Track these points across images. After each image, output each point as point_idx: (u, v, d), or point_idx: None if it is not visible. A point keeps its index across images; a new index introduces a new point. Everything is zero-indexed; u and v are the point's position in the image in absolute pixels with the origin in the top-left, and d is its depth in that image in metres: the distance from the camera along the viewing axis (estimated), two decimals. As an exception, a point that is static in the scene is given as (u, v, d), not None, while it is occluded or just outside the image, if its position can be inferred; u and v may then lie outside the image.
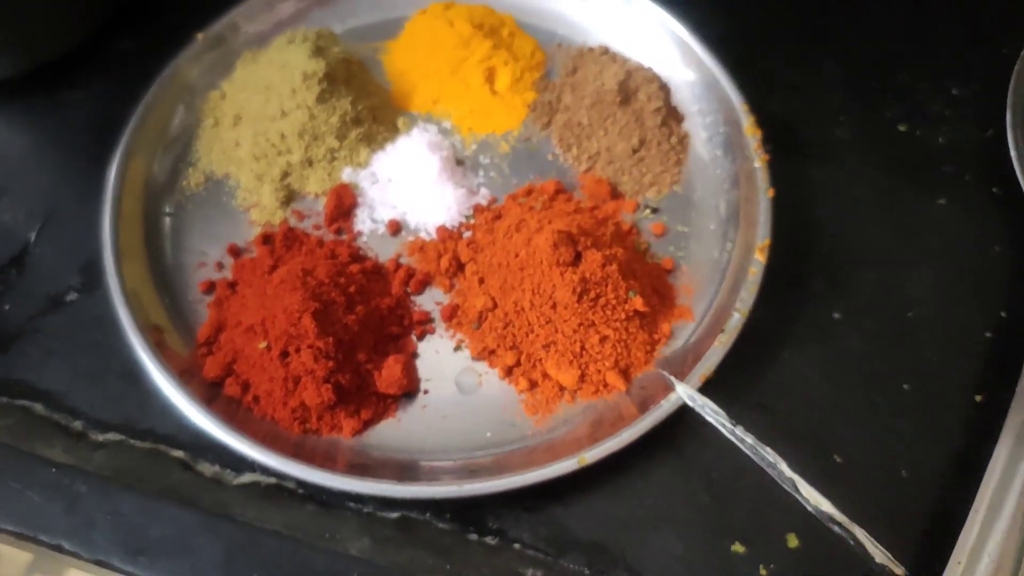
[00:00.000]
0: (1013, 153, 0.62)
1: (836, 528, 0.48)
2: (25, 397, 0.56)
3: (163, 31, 0.70)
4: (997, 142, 0.63)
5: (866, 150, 0.66)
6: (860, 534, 0.48)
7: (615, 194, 0.63)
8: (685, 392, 0.52)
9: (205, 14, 0.67)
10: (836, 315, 0.59)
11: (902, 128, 0.67)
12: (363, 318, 0.55)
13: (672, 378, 0.53)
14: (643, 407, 0.53)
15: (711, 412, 0.52)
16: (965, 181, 0.65)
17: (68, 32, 0.70)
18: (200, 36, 0.66)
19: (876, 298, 0.59)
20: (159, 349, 0.54)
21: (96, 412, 0.56)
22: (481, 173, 0.64)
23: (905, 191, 0.64)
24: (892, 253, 0.61)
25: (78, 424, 0.55)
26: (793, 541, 0.51)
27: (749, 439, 0.51)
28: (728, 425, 0.51)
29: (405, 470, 0.51)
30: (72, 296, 0.60)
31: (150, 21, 0.74)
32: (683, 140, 0.65)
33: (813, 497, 0.49)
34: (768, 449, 0.50)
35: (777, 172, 0.60)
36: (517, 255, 0.56)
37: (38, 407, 0.56)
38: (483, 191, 0.63)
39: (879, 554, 0.48)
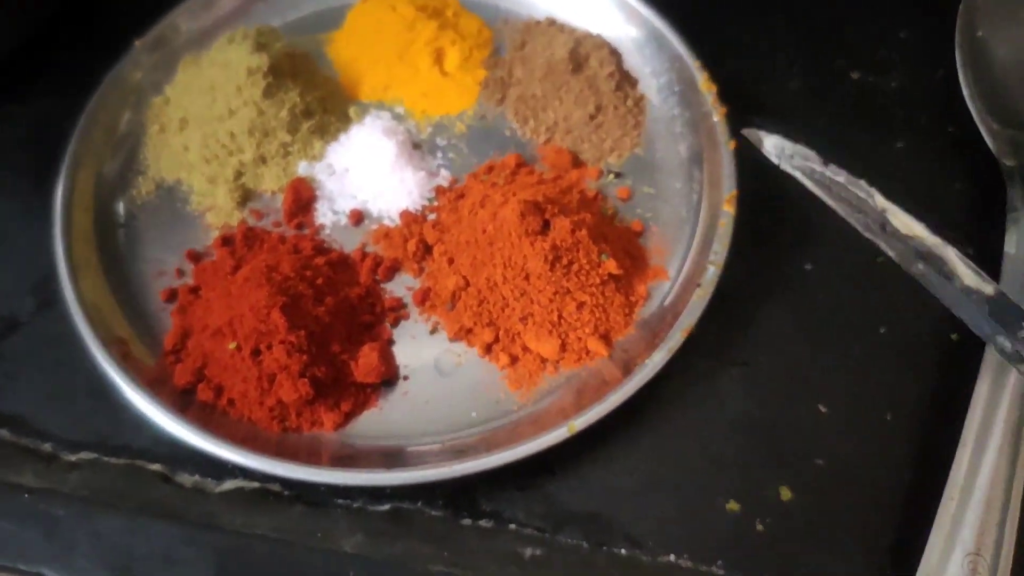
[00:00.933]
0: (965, 91, 0.62)
1: (920, 264, 0.49)
2: (-11, 424, 0.55)
3: (98, 38, 0.68)
4: (949, 82, 0.64)
5: (821, 101, 0.66)
6: (952, 254, 0.48)
7: (577, 162, 0.62)
8: (771, 142, 0.54)
9: (141, 17, 0.66)
10: (807, 266, 0.58)
11: (854, 76, 0.68)
12: (333, 309, 0.53)
13: (758, 132, 0.55)
14: (627, 370, 0.52)
15: (800, 158, 0.52)
16: (921, 123, 0.65)
17: None
18: (138, 43, 0.64)
19: (844, 246, 0.59)
20: (125, 362, 0.52)
21: (66, 432, 0.54)
22: (439, 155, 0.63)
23: (863, 138, 0.64)
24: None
25: (48, 446, 0.53)
26: (786, 494, 0.51)
27: (841, 177, 0.51)
28: (818, 169, 0.51)
29: (392, 457, 0.50)
30: (27, 316, 0.58)
31: (83, 28, 0.72)
32: (639, 103, 0.64)
33: (905, 225, 0.50)
34: (862, 183, 0.51)
35: (735, 128, 0.60)
36: (485, 231, 0.55)
37: (3, 433, 0.54)
38: (443, 172, 0.62)
39: (970, 275, 0.48)
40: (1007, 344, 0.47)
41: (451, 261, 0.57)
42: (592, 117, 0.62)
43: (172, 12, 0.66)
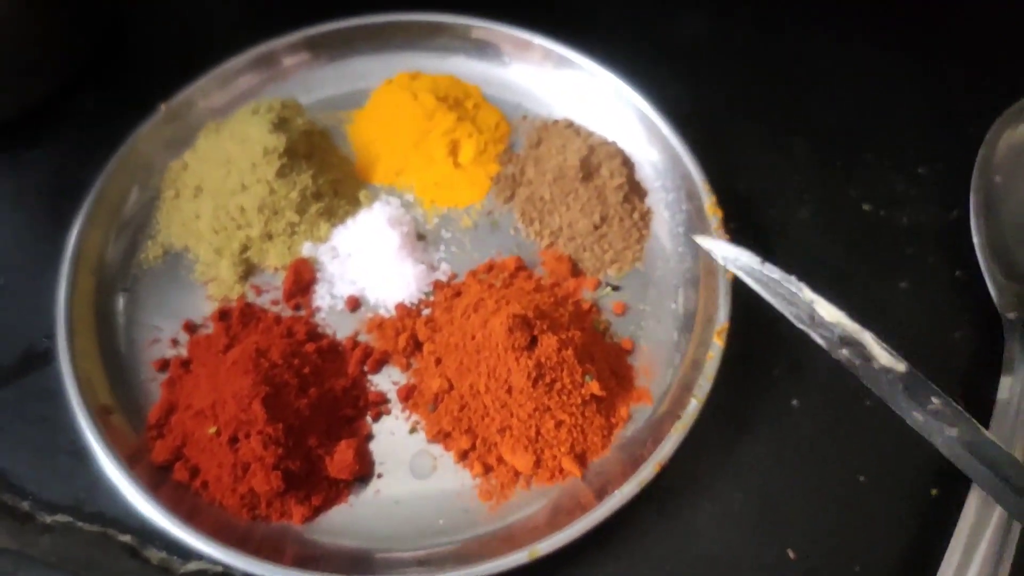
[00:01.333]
0: (976, 239, 0.62)
1: (845, 349, 0.52)
2: (-30, 477, 0.56)
3: (127, 91, 0.70)
4: (961, 224, 0.63)
5: (829, 230, 0.66)
6: (869, 338, 0.52)
7: (576, 271, 0.63)
8: (719, 249, 0.58)
9: (170, 76, 0.67)
10: (794, 402, 0.58)
11: (866, 208, 0.67)
12: (316, 401, 0.54)
13: (707, 239, 0.60)
14: (600, 494, 0.52)
15: (744, 259, 0.57)
16: (927, 264, 0.65)
17: (28, 90, 0.70)
18: (163, 107, 0.65)
19: (834, 385, 0.58)
20: (107, 431, 0.53)
21: (44, 492, 0.55)
22: (442, 248, 0.64)
23: (867, 273, 0.64)
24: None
25: (25, 505, 0.55)
26: (745, 635, 0.51)
27: (776, 274, 0.55)
28: (757, 268, 0.56)
29: (356, 563, 0.51)
30: (21, 368, 0.59)
31: (113, 80, 0.74)
32: (645, 216, 0.65)
33: (830, 314, 0.53)
34: (792, 278, 0.54)
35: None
36: (474, 337, 0.55)
37: None
38: (444, 266, 0.63)
39: (884, 356, 0.52)
40: (919, 417, 0.51)
41: (439, 361, 0.57)
42: (596, 227, 0.63)
43: (197, 81, 0.67)
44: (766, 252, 0.63)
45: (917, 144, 0.71)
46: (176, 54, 0.73)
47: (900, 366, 0.52)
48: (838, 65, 0.76)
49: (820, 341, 0.53)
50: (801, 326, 0.54)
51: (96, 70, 0.74)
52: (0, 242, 0.66)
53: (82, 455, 0.54)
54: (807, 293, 0.54)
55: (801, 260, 0.64)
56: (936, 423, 0.50)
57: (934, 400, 0.51)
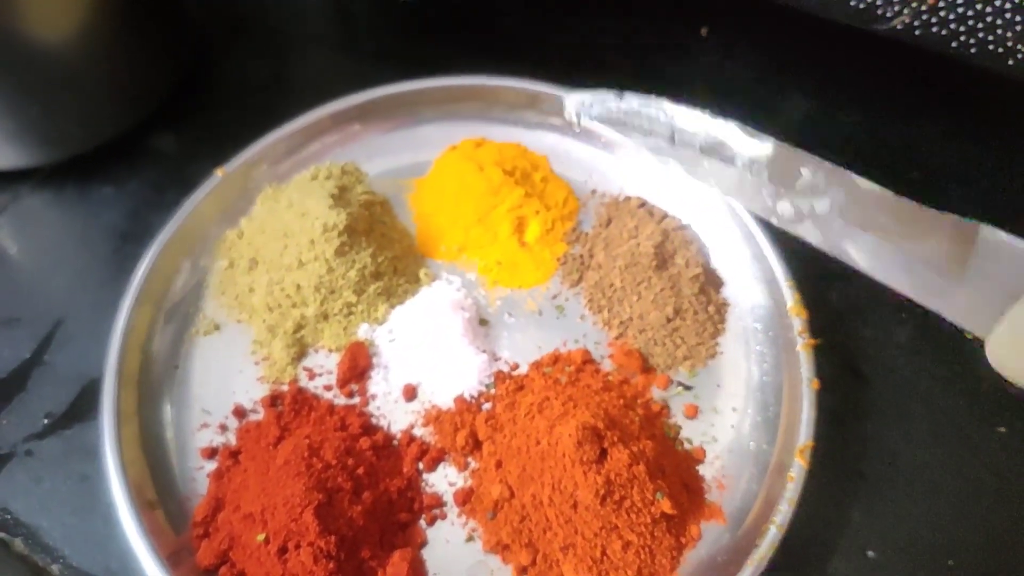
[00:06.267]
0: None
1: (706, 162, 0.51)
2: (6, 529, 0.55)
3: (202, 132, 0.70)
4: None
5: (927, 359, 0.60)
6: (734, 128, 0.49)
7: (646, 367, 0.59)
8: (572, 101, 0.57)
9: (253, 119, 0.65)
10: (870, 553, 0.53)
11: (970, 336, 0.60)
12: (370, 507, 0.51)
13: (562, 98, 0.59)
14: (665, 624, 0.49)
15: (599, 104, 0.55)
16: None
17: (106, 125, 0.69)
18: (220, 172, 0.63)
19: (916, 539, 0.53)
20: (150, 528, 0.50)
21: (76, 556, 0.54)
22: (505, 334, 0.60)
23: (963, 413, 0.58)
24: (940, 487, 0.55)
25: (55, 568, 0.53)
26: None
27: (635, 103, 0.53)
28: (614, 106, 0.54)
29: None
30: (68, 420, 0.58)
31: (190, 119, 0.72)
32: (721, 309, 0.61)
33: (691, 121, 0.51)
34: (651, 97, 0.52)
35: (822, 366, 0.55)
36: (538, 442, 0.52)
37: (17, 543, 0.54)
38: (506, 354, 0.59)
39: (748, 141, 0.49)
40: (788, 207, 0.48)
41: (499, 465, 0.54)
42: (669, 320, 0.59)
43: (256, 145, 0.65)
44: (853, 374, 0.59)
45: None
46: (261, 97, 0.72)
47: (767, 147, 0.48)
48: (947, 163, 0.70)
49: (680, 165, 0.52)
50: (660, 157, 0.52)
51: (176, 106, 0.72)
52: (64, 279, 0.65)
53: (117, 522, 0.51)
54: (667, 107, 0.51)
55: (890, 388, 0.59)
56: (807, 201, 0.47)
57: (803, 171, 0.47)
